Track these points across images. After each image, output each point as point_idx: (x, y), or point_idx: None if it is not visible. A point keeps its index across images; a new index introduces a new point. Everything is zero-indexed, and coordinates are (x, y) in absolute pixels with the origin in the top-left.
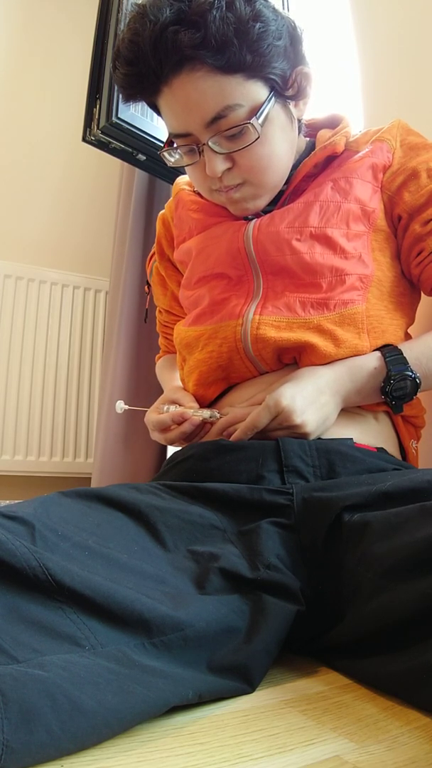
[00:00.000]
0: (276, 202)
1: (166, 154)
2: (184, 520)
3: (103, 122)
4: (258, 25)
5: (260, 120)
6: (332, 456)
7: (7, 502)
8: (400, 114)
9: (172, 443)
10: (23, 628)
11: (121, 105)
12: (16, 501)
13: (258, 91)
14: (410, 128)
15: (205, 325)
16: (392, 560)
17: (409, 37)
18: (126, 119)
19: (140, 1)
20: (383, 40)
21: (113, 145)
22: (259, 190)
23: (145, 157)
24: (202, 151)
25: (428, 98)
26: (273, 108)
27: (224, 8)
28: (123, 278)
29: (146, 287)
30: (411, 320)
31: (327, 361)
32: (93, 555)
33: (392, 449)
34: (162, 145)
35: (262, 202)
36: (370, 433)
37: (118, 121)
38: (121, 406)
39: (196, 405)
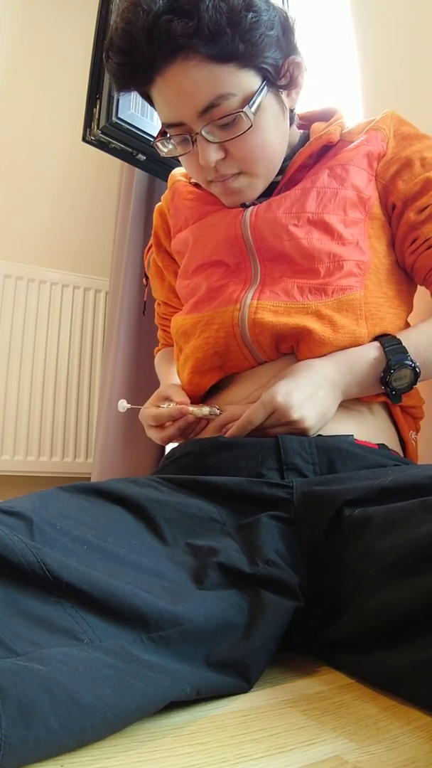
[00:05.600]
0: (270, 193)
1: (159, 144)
2: (183, 513)
3: (103, 122)
4: (250, 14)
5: (253, 109)
6: (332, 453)
7: None
8: (400, 110)
9: (167, 441)
10: (22, 621)
11: (121, 105)
12: None
13: (250, 80)
14: (403, 118)
15: (202, 313)
16: (394, 556)
17: (408, 35)
18: (126, 119)
19: None
20: (383, 38)
21: (113, 145)
22: (254, 180)
23: (145, 157)
24: (195, 140)
25: (428, 96)
26: (265, 97)
27: None
28: (123, 278)
29: (144, 279)
30: (410, 308)
31: (326, 347)
32: (92, 549)
33: (392, 442)
34: None
35: (257, 191)
36: (368, 427)
37: (118, 121)
38: (123, 405)
39: (188, 400)
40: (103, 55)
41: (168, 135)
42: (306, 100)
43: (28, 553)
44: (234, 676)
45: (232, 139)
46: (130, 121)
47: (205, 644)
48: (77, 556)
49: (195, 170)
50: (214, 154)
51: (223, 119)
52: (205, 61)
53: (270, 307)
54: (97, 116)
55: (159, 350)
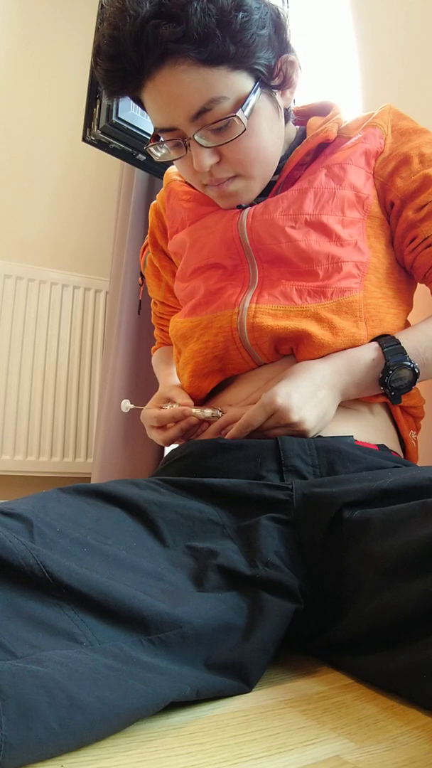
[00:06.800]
0: (267, 192)
1: (152, 149)
2: (183, 516)
3: (103, 122)
4: (240, 14)
5: (246, 112)
6: (332, 455)
7: None
8: (400, 108)
9: (169, 442)
10: (21, 624)
11: (121, 105)
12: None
13: (243, 82)
14: (401, 113)
15: (201, 316)
16: (394, 558)
17: (408, 34)
18: (126, 119)
19: None
20: (383, 37)
21: (113, 145)
22: (250, 183)
23: (145, 157)
24: (189, 145)
25: (428, 95)
26: (259, 99)
27: None
28: (123, 278)
29: (140, 279)
30: (409, 307)
31: (324, 350)
32: (91, 551)
33: (392, 442)
34: None
35: (254, 194)
36: (368, 428)
37: (118, 121)
38: (126, 405)
39: (191, 402)
40: (92, 61)
41: (161, 139)
42: (305, 99)
43: (27, 555)
44: (234, 678)
45: (226, 143)
46: (130, 121)
47: (204, 646)
48: (77, 558)
49: (190, 174)
50: (208, 159)
51: (216, 123)
52: (195, 65)
53: (269, 311)
54: (97, 116)
55: (156, 349)
